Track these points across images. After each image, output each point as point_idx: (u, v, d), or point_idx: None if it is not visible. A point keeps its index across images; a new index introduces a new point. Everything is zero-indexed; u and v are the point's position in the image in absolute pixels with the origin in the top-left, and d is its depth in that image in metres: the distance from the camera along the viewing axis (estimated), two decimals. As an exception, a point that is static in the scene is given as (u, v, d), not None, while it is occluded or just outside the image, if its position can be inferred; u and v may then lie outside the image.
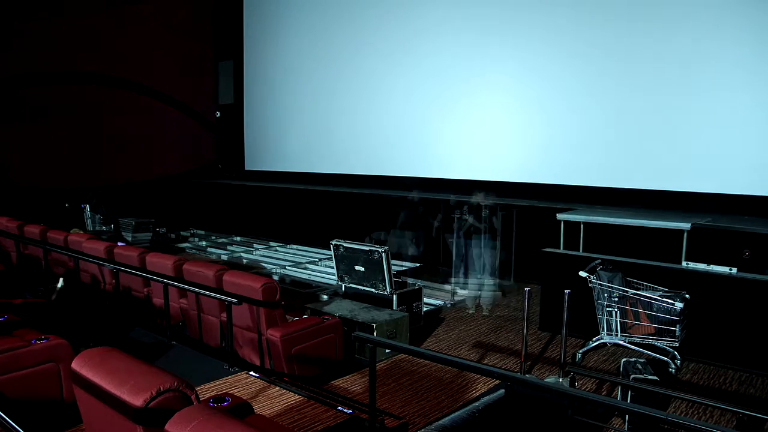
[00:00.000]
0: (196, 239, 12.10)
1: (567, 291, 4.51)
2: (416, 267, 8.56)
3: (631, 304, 4.95)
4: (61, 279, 5.63)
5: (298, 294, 7.34)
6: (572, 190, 8.51)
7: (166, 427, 1.99)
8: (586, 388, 4.62)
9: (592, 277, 4.97)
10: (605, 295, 5.00)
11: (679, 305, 4.63)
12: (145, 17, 13.01)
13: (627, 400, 3.84)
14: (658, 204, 7.68)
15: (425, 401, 4.31)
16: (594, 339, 5.20)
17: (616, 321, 4.99)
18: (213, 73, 14.79)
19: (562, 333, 4.59)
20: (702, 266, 5.37)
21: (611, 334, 5.04)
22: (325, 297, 6.83)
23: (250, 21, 13.94)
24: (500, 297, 7.19)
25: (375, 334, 4.91)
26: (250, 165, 14.16)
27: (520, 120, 9.09)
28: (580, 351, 5.30)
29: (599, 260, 5.20)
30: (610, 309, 5.00)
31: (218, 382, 3.99)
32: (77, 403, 2.56)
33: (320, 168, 12.21)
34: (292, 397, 3.76)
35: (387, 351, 5.09)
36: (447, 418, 3.25)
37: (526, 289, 4.75)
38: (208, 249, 10.99)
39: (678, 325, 4.71)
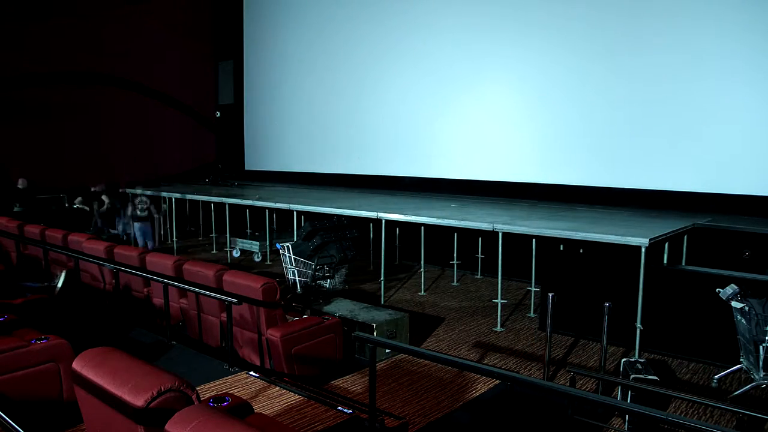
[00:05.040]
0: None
1: (551, 294, 4.43)
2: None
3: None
4: (63, 273, 5.61)
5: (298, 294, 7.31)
6: (572, 190, 8.51)
7: (167, 426, 1.99)
8: (586, 388, 4.62)
9: (745, 306, 4.01)
10: (765, 328, 4.00)
11: None
12: (145, 17, 13.01)
13: (627, 400, 3.84)
14: (659, 204, 7.68)
15: (425, 401, 4.31)
16: (750, 383, 4.29)
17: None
18: (213, 73, 14.79)
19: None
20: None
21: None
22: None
23: (250, 21, 13.94)
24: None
25: (375, 334, 4.91)
26: (250, 165, 14.16)
27: (520, 120, 9.08)
28: (716, 377, 4.74)
29: (736, 287, 4.23)
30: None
31: (218, 382, 3.98)
32: (78, 403, 2.56)
33: (320, 168, 12.21)
34: (292, 397, 3.76)
35: (387, 351, 5.09)
36: (447, 418, 3.25)
37: (550, 294, 4.53)
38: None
39: None
